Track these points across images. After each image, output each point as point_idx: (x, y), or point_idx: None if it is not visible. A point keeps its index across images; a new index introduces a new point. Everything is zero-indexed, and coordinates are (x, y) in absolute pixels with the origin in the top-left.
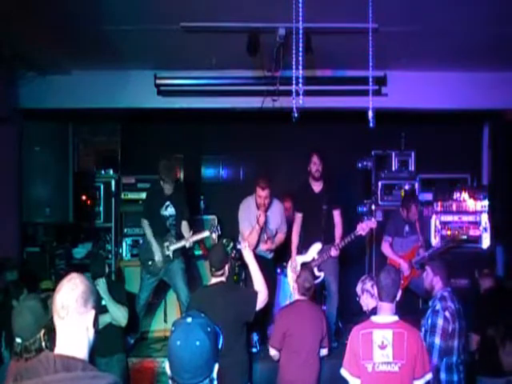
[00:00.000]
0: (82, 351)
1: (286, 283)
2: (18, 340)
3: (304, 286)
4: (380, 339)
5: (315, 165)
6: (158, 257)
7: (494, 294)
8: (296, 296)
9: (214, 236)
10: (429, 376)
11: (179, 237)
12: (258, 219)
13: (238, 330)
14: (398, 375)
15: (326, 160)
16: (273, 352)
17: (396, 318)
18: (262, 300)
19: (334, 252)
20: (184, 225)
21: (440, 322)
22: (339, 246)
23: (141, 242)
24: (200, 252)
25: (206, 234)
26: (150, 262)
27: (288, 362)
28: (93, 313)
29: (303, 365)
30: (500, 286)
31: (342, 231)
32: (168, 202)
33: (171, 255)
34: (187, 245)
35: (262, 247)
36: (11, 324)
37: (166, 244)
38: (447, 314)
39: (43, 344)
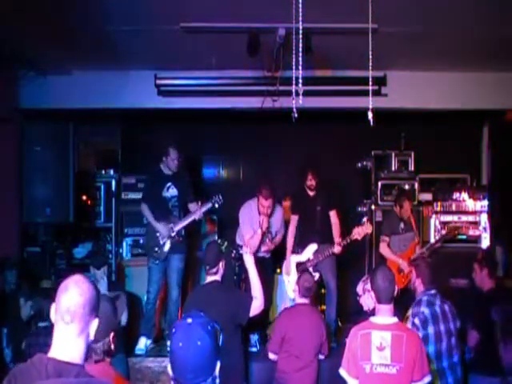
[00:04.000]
0: (78, 356)
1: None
2: None
3: (304, 285)
4: (378, 340)
5: (310, 181)
6: (164, 235)
7: (495, 293)
8: (297, 299)
9: (217, 205)
10: (427, 379)
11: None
12: (261, 225)
13: (231, 330)
14: (396, 377)
15: (320, 173)
16: (272, 356)
17: (395, 319)
18: (256, 306)
19: (337, 249)
20: (192, 206)
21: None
22: (341, 243)
23: (141, 241)
24: (207, 228)
25: (209, 205)
26: (156, 249)
27: (286, 366)
28: (96, 321)
29: (301, 369)
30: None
31: (340, 231)
32: (169, 183)
33: (176, 236)
34: (195, 218)
35: (263, 248)
36: (12, 321)
37: (170, 225)
38: (416, 320)
39: (112, 346)
